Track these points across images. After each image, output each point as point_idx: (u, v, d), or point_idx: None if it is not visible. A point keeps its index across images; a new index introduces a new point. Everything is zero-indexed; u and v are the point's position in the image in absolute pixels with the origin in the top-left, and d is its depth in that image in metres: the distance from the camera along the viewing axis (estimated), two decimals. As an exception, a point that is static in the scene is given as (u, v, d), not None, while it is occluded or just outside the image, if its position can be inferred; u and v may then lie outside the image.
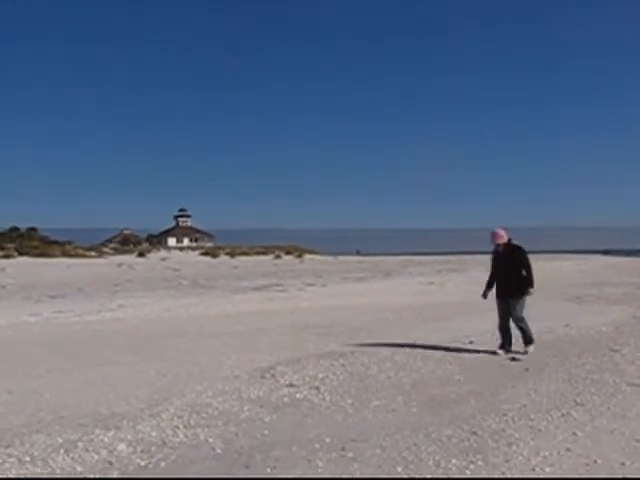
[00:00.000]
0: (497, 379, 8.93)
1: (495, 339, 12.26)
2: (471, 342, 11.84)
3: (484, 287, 11.36)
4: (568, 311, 17.87)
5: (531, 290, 10.76)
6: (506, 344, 10.87)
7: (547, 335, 12.87)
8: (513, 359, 10.20)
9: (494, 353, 10.67)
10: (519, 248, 11.00)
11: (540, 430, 6.53)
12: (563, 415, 7.08)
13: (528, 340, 10.87)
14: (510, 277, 10.77)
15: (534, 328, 11.14)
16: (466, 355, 10.64)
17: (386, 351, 10.80)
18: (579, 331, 13.57)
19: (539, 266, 52.70)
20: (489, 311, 17.73)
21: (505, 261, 10.86)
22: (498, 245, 10.91)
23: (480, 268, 47.83)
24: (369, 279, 33.91)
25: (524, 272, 10.77)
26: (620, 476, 5.32)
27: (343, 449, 5.88)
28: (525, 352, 10.66)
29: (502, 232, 10.91)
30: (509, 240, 10.93)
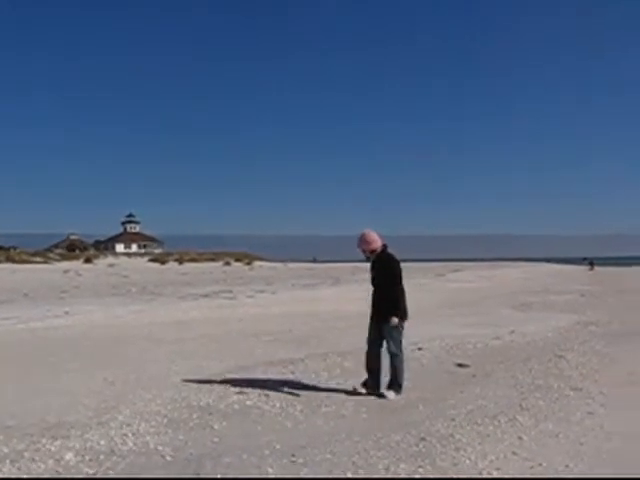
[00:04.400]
0: (445, 385, 9.04)
1: (444, 345, 12.43)
2: (419, 349, 11.95)
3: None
4: (514, 318, 18.19)
5: (394, 320, 8.18)
6: (372, 380, 8.43)
7: (494, 341, 13.08)
8: (381, 396, 8.21)
9: (353, 391, 8.41)
10: (393, 259, 8.45)
11: (487, 435, 6.64)
12: (509, 420, 7.20)
13: (395, 383, 8.34)
14: (381, 296, 8.35)
15: (481, 334, 11.30)
16: (415, 362, 10.73)
17: (335, 358, 10.84)
18: (525, 337, 13.82)
19: (486, 274, 53.55)
20: (438, 318, 18.02)
21: (376, 275, 8.46)
22: (367, 252, 8.44)
23: (429, 275, 48.35)
24: (318, 286, 33.97)
25: (397, 290, 8.32)
26: (564, 476, 5.45)
27: (293, 455, 5.89)
28: (382, 395, 8.22)
29: (374, 236, 8.40)
30: (384, 247, 8.44)
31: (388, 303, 8.24)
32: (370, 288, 8.60)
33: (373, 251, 8.38)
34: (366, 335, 8.54)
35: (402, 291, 8.33)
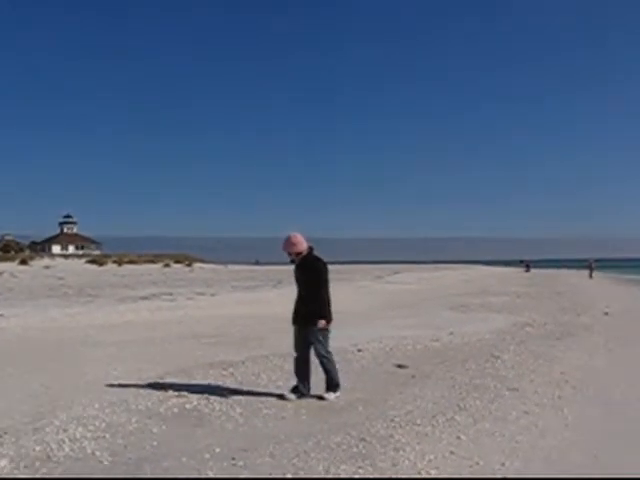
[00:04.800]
0: (385, 386, 9.12)
1: (384, 347, 12.53)
2: (359, 350, 12.03)
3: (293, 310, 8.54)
4: (453, 319, 18.45)
5: (321, 322, 8.08)
6: (302, 385, 8.32)
7: (433, 343, 13.25)
8: (320, 398, 8.15)
9: (282, 397, 8.23)
10: (320, 262, 8.37)
11: (426, 435, 6.73)
12: (448, 420, 7.31)
13: (332, 384, 8.34)
14: (307, 299, 8.24)
15: (420, 336, 11.43)
16: (355, 363, 10.80)
17: (276, 360, 10.83)
18: (463, 338, 14.03)
19: (426, 276, 54.17)
20: (378, 320, 18.16)
21: (301, 278, 8.34)
22: (293, 255, 8.30)
23: (369, 277, 48.67)
24: (260, 288, 33.86)
25: (322, 293, 8.21)
26: (500, 476, 5.56)
27: (233, 458, 5.87)
28: (322, 397, 8.19)
29: (300, 238, 8.27)
30: (310, 249, 8.36)
31: (314, 306, 8.14)
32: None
33: (299, 253, 8.27)
34: None
35: (328, 294, 8.28)
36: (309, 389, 8.32)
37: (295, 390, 8.28)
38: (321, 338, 8.19)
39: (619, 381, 10.02)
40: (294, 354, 8.44)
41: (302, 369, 8.34)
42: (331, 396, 8.20)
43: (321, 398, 8.16)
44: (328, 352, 8.29)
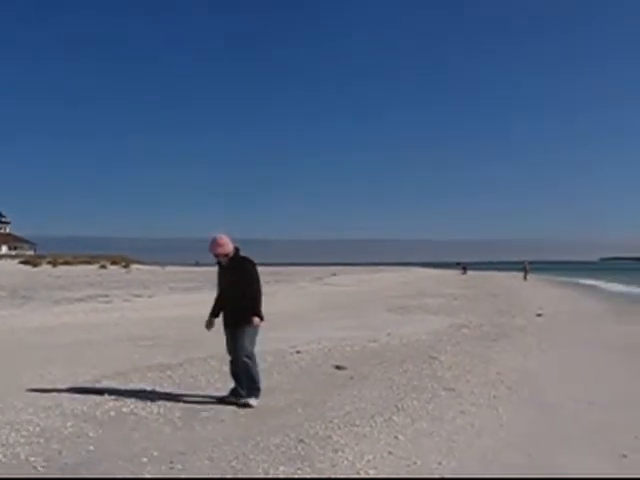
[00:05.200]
0: (323, 387, 9.16)
1: (322, 348, 12.58)
2: (298, 352, 12.05)
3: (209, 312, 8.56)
4: (391, 321, 18.64)
5: (256, 320, 8.04)
6: (241, 387, 8.22)
7: (371, 344, 13.35)
8: (245, 405, 7.93)
9: (221, 400, 8.19)
10: (249, 261, 8.26)
11: (364, 435, 6.78)
12: (386, 420, 7.39)
13: (252, 388, 8.12)
14: (237, 300, 8.09)
15: (359, 337, 11.51)
16: (293, 365, 10.82)
17: (214, 362, 10.77)
18: (401, 340, 14.19)
19: (364, 278, 54.49)
20: (317, 321, 18.21)
21: (231, 279, 8.18)
22: (220, 256, 8.15)
23: (308, 279, 48.75)
24: (198, 289, 33.60)
25: (255, 292, 8.12)
26: (438, 476, 5.65)
27: (171, 462, 5.81)
28: (244, 404, 7.98)
29: (226, 239, 8.14)
30: (236, 250, 8.24)
31: (247, 305, 8.04)
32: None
33: (226, 255, 8.14)
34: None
35: (260, 293, 8.18)
36: (258, 386, 8.22)
37: (234, 392, 8.19)
38: (249, 339, 8.08)
39: (552, 381, 10.27)
40: (229, 357, 8.33)
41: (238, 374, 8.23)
42: (254, 401, 8.00)
43: (246, 405, 7.94)
44: (252, 354, 8.14)
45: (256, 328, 8.12)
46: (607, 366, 12.11)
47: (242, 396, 8.10)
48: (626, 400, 9.13)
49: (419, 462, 5.96)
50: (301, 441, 6.49)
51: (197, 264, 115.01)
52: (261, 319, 8.11)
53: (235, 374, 8.23)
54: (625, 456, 6.45)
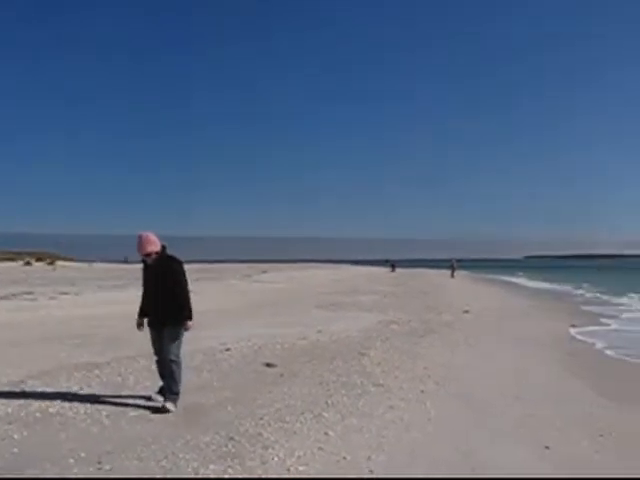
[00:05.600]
0: (254, 385, 9.14)
1: (252, 345, 12.55)
2: (228, 350, 11.99)
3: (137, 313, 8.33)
4: (321, 317, 18.72)
5: (190, 324, 7.87)
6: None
7: (301, 341, 13.39)
8: (162, 409, 7.56)
9: (149, 399, 8.00)
10: (176, 261, 8.04)
11: (294, 432, 6.81)
12: (316, 416, 7.43)
13: (172, 392, 7.84)
14: (165, 300, 7.87)
15: (289, 334, 11.53)
16: (223, 362, 10.77)
17: (143, 361, 10.62)
18: (331, 336, 14.27)
19: (295, 275, 54.36)
20: (247, 319, 18.16)
21: (157, 278, 7.95)
22: (147, 255, 7.86)
23: (237, 276, 48.53)
24: (127, 287, 33.08)
25: (184, 292, 7.92)
26: (368, 475, 5.72)
27: (99, 462, 5.72)
28: (163, 408, 7.62)
29: (153, 237, 7.88)
30: (163, 249, 7.96)
31: (173, 306, 7.80)
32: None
33: (154, 253, 7.86)
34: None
35: (188, 293, 7.96)
36: (178, 391, 8.00)
37: (162, 391, 8.00)
38: (177, 341, 7.87)
39: (479, 376, 10.51)
40: (155, 357, 8.12)
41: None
42: (171, 406, 7.66)
43: (163, 410, 7.58)
44: (178, 357, 7.92)
45: (183, 330, 7.89)
46: (532, 361, 12.46)
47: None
48: (550, 394, 9.42)
49: (349, 457, 6.02)
50: (231, 439, 6.48)
51: (126, 261, 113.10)
52: (190, 319, 7.92)
53: (162, 374, 8.03)
54: (548, 448, 6.68)
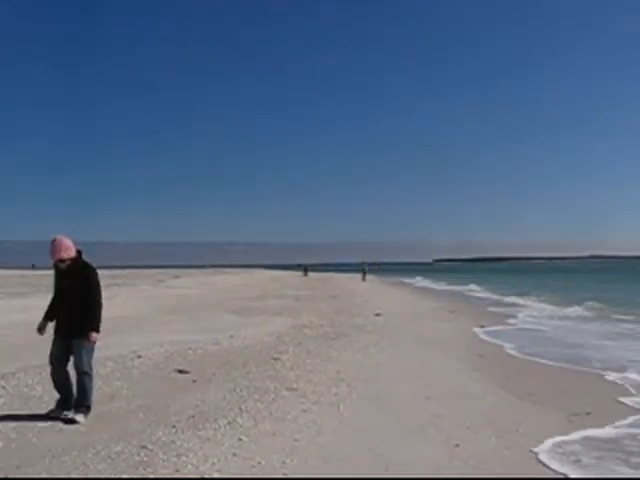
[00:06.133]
0: (166, 392, 9.04)
1: (164, 352, 12.40)
2: (139, 356, 11.81)
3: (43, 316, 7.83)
4: (234, 323, 18.64)
5: (94, 336, 7.46)
6: (67, 399, 7.60)
7: (214, 347, 13.31)
8: (71, 421, 7.29)
9: (47, 417, 7.47)
10: (90, 268, 7.64)
11: (208, 438, 6.78)
12: (229, 422, 7.41)
13: (82, 405, 7.49)
14: (76, 309, 7.47)
15: (201, 340, 11.43)
16: (134, 370, 10.60)
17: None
18: (244, 341, 14.24)
19: (206, 281, 53.85)
20: (159, 325, 17.91)
21: (71, 286, 7.53)
22: (61, 261, 7.46)
23: (149, 281, 47.77)
24: (32, 294, 32.10)
25: (96, 302, 7.55)
26: (282, 475, 5.75)
27: (6, 477, 5.56)
28: (71, 420, 7.32)
29: (68, 242, 7.49)
30: (78, 254, 7.60)
31: (85, 316, 7.43)
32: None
33: (69, 259, 7.48)
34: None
35: (101, 303, 7.63)
36: (72, 404, 7.57)
37: (61, 405, 7.56)
38: (87, 352, 7.50)
39: (390, 378, 10.69)
40: (50, 367, 7.66)
41: (66, 384, 7.60)
42: (81, 418, 7.35)
43: (72, 421, 7.28)
44: (90, 368, 7.58)
45: (87, 341, 7.49)
46: (442, 362, 12.75)
47: (69, 409, 7.49)
48: (460, 394, 9.67)
49: (263, 462, 6.04)
50: (144, 447, 6.39)
51: (34, 267, 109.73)
52: (98, 332, 7.56)
53: (60, 387, 7.60)
54: (458, 446, 6.86)
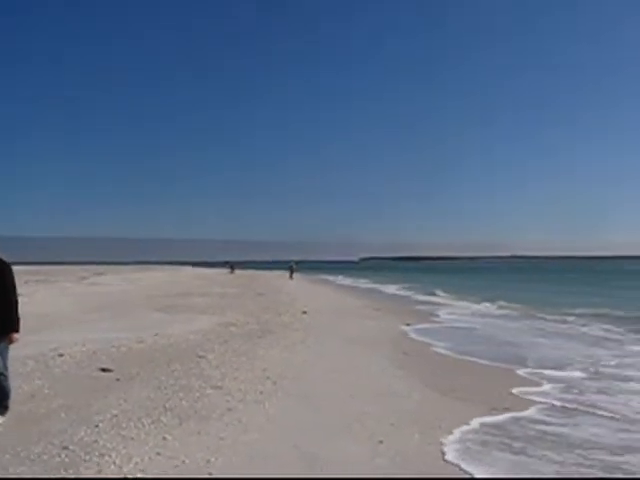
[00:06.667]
0: (89, 391, 8.88)
1: (87, 350, 12.17)
2: (61, 355, 11.57)
3: None
4: (159, 320, 18.41)
5: (16, 336, 7.25)
6: None
7: (138, 345, 13.13)
8: (104, 370, 7.56)
9: None
10: (5, 264, 7.31)
11: (132, 438, 6.69)
12: (153, 421, 7.33)
13: (1, 405, 7.23)
14: None
15: (125, 338, 11.27)
16: (55, 369, 10.38)
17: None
18: (169, 339, 14.09)
19: (131, 277, 52.95)
20: (82, 323, 17.56)
21: None
22: None
23: (72, 278, 46.77)
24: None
25: (12, 300, 7.23)
26: (207, 475, 5.72)
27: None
28: None
29: None
30: None
31: (4, 316, 7.13)
32: None
33: None
34: None
35: (17, 301, 7.34)
36: (7, 405, 7.33)
37: None
38: (3, 352, 7.19)
39: (316, 375, 10.75)
40: None
41: None
42: (0, 419, 7.11)
43: None
44: (6, 368, 7.24)
45: (7, 343, 7.23)
46: (368, 359, 12.89)
47: None
48: (384, 391, 9.79)
49: (187, 461, 6.00)
50: (65, 448, 6.27)
51: None
52: (18, 332, 7.31)
53: None
54: (381, 442, 6.96)
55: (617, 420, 8.59)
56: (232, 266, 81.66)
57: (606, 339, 17.94)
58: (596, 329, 20.33)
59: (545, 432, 7.85)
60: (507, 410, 8.83)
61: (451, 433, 7.54)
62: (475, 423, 8.06)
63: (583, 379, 11.55)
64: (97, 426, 7.07)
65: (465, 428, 7.80)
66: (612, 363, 13.41)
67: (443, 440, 7.24)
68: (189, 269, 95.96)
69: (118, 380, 9.64)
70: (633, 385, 11.10)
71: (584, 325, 21.55)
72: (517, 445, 7.22)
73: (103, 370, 10.35)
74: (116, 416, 7.53)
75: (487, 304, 30.75)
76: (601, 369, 12.63)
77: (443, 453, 6.78)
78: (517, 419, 8.42)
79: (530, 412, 8.87)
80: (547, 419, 8.53)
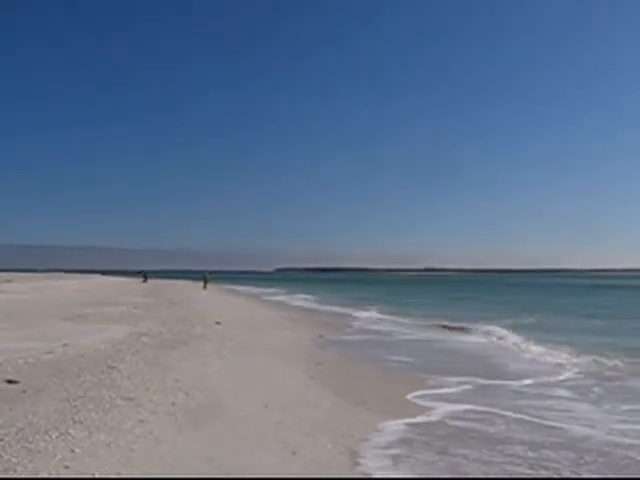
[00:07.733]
0: (-7, 403, 8.61)
1: (-8, 362, 11.77)
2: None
3: None
4: (68, 330, 17.98)
5: None
6: None
7: (46, 355, 12.79)
8: (10, 382, 7.66)
9: None
10: None
11: (39, 451, 6.51)
12: (62, 434, 7.16)
13: None
14: None
15: (32, 348, 10.94)
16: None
17: None
18: (79, 350, 13.77)
19: (39, 286, 51.44)
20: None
21: None
22: None
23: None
24: None
25: None
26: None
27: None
28: None
29: None
30: None
31: None
32: None
33: None
34: None
35: None
36: None
37: None
38: None
39: (230, 386, 10.72)
40: None
41: None
42: None
43: None
44: None
45: None
46: (281, 370, 12.93)
47: None
48: (298, 401, 9.86)
49: (97, 474, 5.89)
50: (-33, 463, 6.07)
51: None
52: None
53: None
54: (295, 453, 7.00)
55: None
56: (145, 275, 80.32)
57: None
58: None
59: (464, 429, 8.06)
60: (413, 415, 9.03)
61: (363, 440, 7.65)
62: (386, 430, 8.21)
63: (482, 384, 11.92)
64: (2, 440, 6.85)
65: (375, 435, 7.93)
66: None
67: (355, 448, 7.34)
68: (100, 278, 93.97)
69: (25, 392, 9.36)
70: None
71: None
72: (437, 444, 7.38)
73: (9, 382, 10.04)
74: (22, 429, 7.31)
75: (397, 316, 31.24)
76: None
77: (356, 462, 6.88)
78: (427, 424, 8.61)
79: (438, 417, 9.10)
80: (457, 423, 8.76)
